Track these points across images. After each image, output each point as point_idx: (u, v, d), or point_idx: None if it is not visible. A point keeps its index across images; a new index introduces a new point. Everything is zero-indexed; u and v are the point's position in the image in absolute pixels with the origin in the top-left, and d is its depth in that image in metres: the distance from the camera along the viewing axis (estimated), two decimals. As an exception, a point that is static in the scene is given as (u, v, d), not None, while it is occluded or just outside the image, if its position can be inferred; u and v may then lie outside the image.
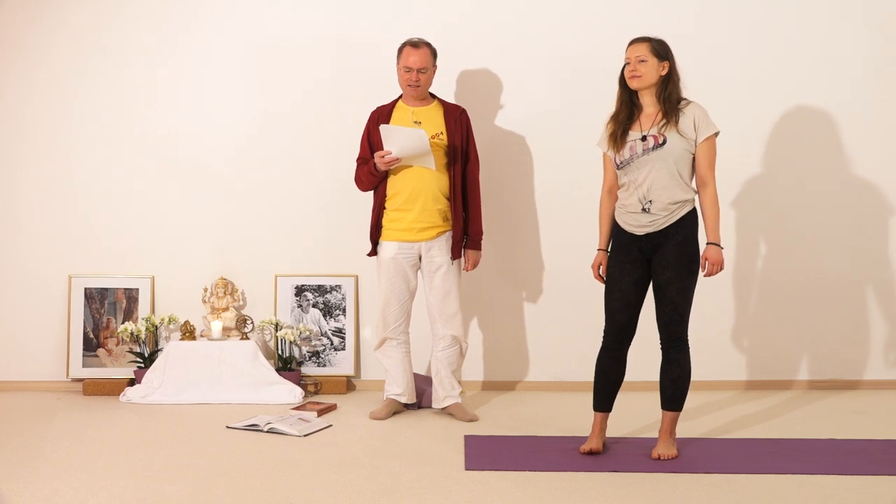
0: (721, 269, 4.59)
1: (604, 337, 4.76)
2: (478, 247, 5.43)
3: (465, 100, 5.81)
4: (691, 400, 5.45)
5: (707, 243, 4.56)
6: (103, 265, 6.06)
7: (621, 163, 4.61)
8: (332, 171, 5.98)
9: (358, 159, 5.43)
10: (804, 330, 6.11)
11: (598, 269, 4.79)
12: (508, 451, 4.78)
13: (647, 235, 4.59)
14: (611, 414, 4.81)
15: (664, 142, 4.52)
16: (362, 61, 5.97)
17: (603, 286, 4.76)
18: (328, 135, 6.02)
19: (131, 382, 5.90)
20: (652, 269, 4.62)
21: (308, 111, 6.03)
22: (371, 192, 5.43)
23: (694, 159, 4.57)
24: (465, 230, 5.38)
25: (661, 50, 4.56)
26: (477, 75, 5.98)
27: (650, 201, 4.55)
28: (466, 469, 4.50)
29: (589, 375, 5.88)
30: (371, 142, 5.35)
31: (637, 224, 4.60)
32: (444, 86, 5.80)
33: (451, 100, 5.76)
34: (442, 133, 5.31)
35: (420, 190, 5.26)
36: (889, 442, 4.95)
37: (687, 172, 4.56)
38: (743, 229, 6.06)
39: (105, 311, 6.03)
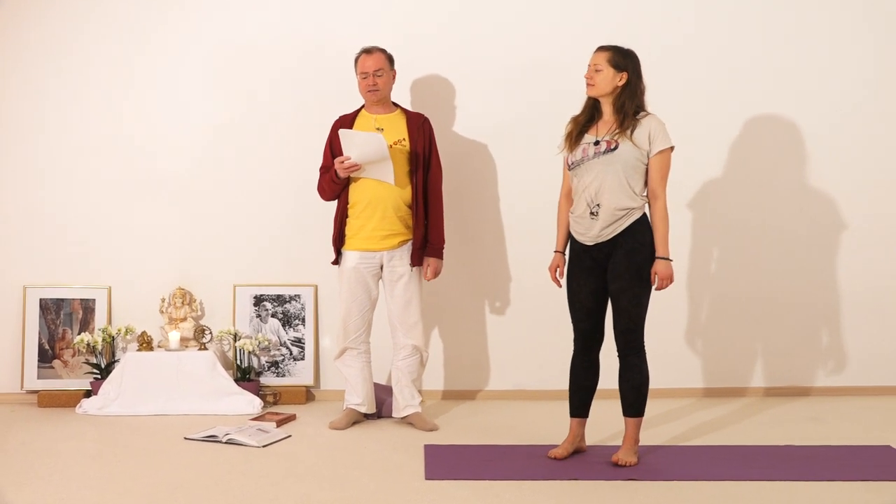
0: (671, 282, 4.60)
1: (574, 343, 4.82)
2: (439, 255, 5.43)
3: (428, 109, 5.81)
4: (651, 408, 5.49)
5: (656, 258, 4.59)
6: (59, 275, 5.99)
7: (573, 163, 4.66)
8: (290, 181, 5.96)
9: (321, 168, 5.42)
10: (758, 338, 6.15)
11: (556, 271, 4.83)
12: (468, 460, 4.78)
13: (598, 245, 4.63)
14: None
15: (615, 147, 4.57)
16: (322, 71, 5.96)
17: (560, 290, 4.81)
18: (287, 144, 6.00)
19: (87, 394, 5.84)
20: (607, 276, 4.67)
21: (266, 121, 6.01)
22: (333, 202, 5.42)
23: (646, 171, 4.62)
24: (425, 238, 5.39)
25: (620, 61, 4.61)
26: (439, 84, 5.99)
27: (598, 205, 4.59)
28: (426, 478, 4.49)
29: (549, 384, 5.96)
30: (333, 150, 5.34)
31: (587, 234, 4.64)
32: (406, 95, 5.81)
33: (413, 109, 5.76)
34: (404, 139, 5.31)
35: (381, 198, 5.26)
36: (844, 448, 5.00)
37: (637, 182, 4.60)
38: (696, 239, 6.10)
39: (61, 321, 5.96)
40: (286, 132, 6.01)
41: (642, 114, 4.63)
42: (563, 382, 5.83)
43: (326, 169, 5.36)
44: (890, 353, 6.16)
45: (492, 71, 6.02)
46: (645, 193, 4.64)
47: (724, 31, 6.07)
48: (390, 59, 5.35)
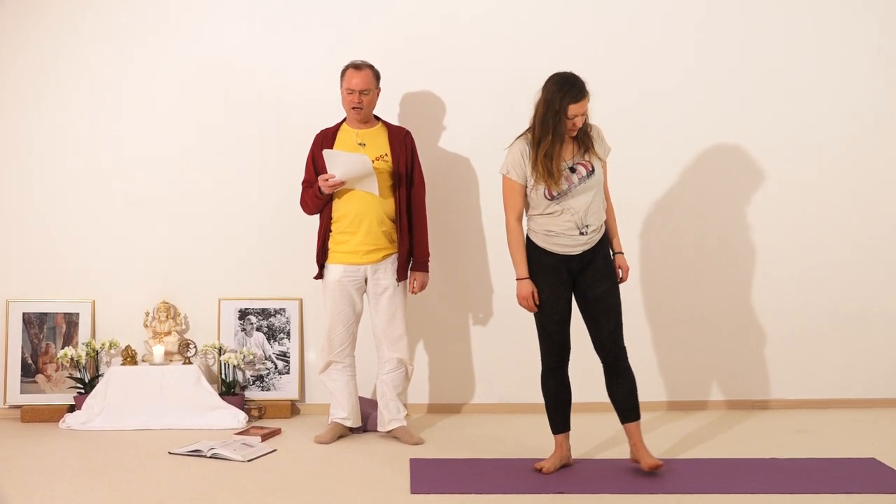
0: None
1: (544, 359, 4.82)
2: (425, 269, 5.43)
3: (409, 122, 5.82)
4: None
5: (617, 253, 4.83)
6: (42, 289, 5.96)
7: (559, 193, 4.64)
8: (275, 194, 5.95)
9: (303, 182, 5.41)
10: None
11: (534, 297, 4.75)
12: (454, 474, 4.78)
13: (582, 254, 4.69)
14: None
15: (593, 169, 4.68)
16: (304, 83, 5.96)
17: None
18: (270, 158, 5.99)
19: (71, 409, 5.80)
20: (582, 285, 4.73)
21: (250, 134, 5.99)
22: (316, 215, 5.42)
23: None
24: (410, 252, 5.38)
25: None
26: (420, 97, 5.99)
27: (587, 226, 4.66)
28: (412, 492, 4.48)
29: (534, 397, 5.93)
30: (315, 165, 5.34)
31: (575, 244, 4.68)
32: (387, 108, 5.80)
33: (395, 122, 5.76)
34: (386, 155, 5.31)
35: (365, 212, 5.26)
36: (829, 460, 5.01)
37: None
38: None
39: (44, 336, 5.93)
40: (269, 146, 5.99)
41: (588, 125, 4.75)
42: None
43: (309, 184, 5.35)
44: (866, 366, 6.19)
45: (474, 85, 6.01)
46: None
47: (695, 51, 6.09)
48: (377, 77, 5.34)
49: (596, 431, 5.38)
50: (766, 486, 4.58)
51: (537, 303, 4.74)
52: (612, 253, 4.81)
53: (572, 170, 4.66)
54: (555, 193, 4.65)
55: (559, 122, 4.59)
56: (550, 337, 4.77)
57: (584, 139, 4.70)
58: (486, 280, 6.10)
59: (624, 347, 4.77)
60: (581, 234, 4.66)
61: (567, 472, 4.79)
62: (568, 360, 4.83)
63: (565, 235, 4.67)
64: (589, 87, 4.63)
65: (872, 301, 6.18)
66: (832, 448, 5.25)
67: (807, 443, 5.38)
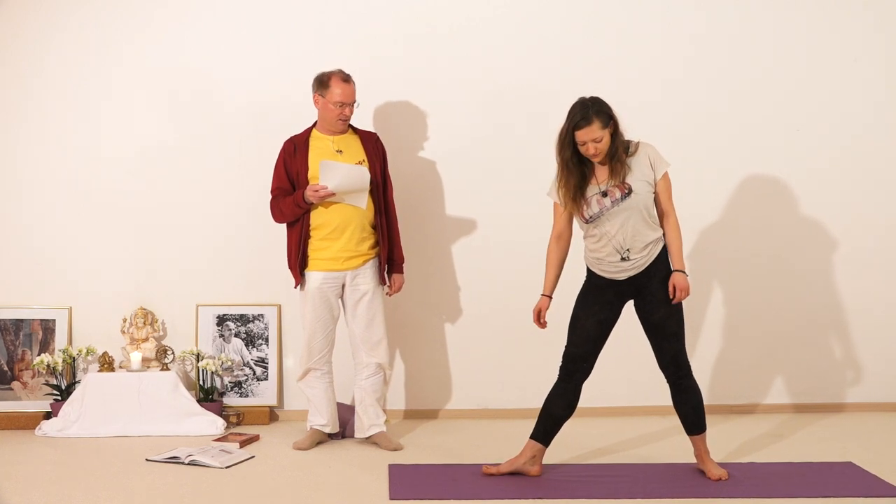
0: (688, 294, 4.65)
1: (560, 368, 4.79)
2: (401, 270, 5.45)
3: (379, 126, 5.83)
4: (612, 427, 5.54)
5: (673, 270, 4.66)
6: (18, 296, 5.93)
7: (591, 217, 4.61)
8: (253, 200, 5.91)
9: (274, 190, 5.34)
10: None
11: (539, 315, 4.78)
12: (433, 480, 4.78)
13: (630, 279, 4.64)
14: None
15: (630, 191, 4.57)
16: (283, 89, 5.93)
17: (518, 307, 4.78)
18: (249, 163, 5.96)
19: (47, 416, 5.77)
20: (641, 310, 4.70)
21: (227, 139, 5.98)
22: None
23: (655, 196, 4.65)
24: (389, 255, 5.39)
25: (605, 119, 4.53)
26: (391, 104, 5.98)
27: (627, 250, 4.60)
28: (391, 498, 4.48)
29: (511, 402, 5.96)
30: (289, 172, 5.29)
31: (618, 270, 4.64)
32: (361, 114, 5.79)
33: (364, 127, 5.72)
34: (364, 161, 5.30)
35: (349, 221, 5.23)
36: (806, 464, 5.04)
37: (653, 212, 4.65)
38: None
39: (20, 342, 5.90)
40: (247, 152, 5.97)
41: (632, 145, 4.63)
42: (525, 401, 5.87)
43: (282, 191, 5.30)
44: (839, 370, 6.24)
45: (446, 90, 6.01)
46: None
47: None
48: None
49: (583, 437, 5.38)
50: (743, 490, 4.60)
51: (543, 321, 4.77)
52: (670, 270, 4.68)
53: (604, 194, 4.58)
54: (587, 216, 4.62)
55: (563, 150, 4.58)
56: (569, 348, 4.75)
57: (618, 163, 4.56)
58: (461, 286, 6.09)
59: (687, 365, 4.72)
60: (623, 259, 4.61)
61: (548, 478, 4.78)
62: (579, 377, 4.74)
63: (608, 262, 4.64)
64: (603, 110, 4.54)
65: (855, 305, 6.21)
66: (809, 452, 5.28)
67: (784, 447, 5.40)
